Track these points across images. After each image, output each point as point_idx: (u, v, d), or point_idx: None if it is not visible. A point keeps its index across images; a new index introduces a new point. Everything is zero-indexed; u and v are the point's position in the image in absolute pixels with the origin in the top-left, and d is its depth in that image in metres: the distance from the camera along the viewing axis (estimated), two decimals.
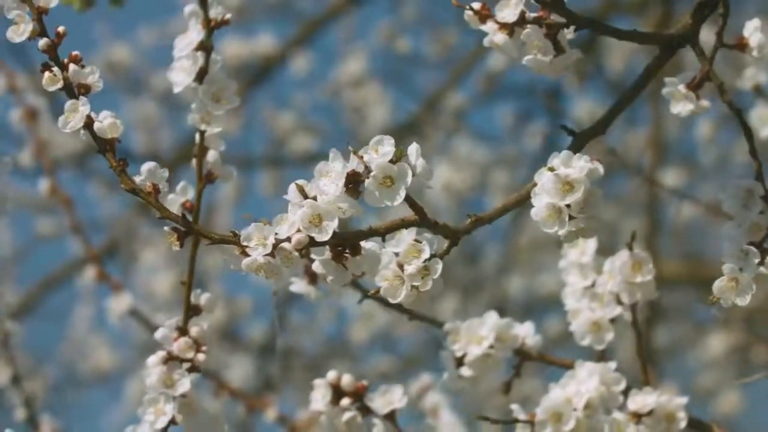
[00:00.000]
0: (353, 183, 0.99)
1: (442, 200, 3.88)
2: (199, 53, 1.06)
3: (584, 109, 3.87)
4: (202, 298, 1.13)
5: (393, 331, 4.13)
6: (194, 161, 1.10)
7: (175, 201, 1.09)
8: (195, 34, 1.05)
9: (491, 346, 1.19)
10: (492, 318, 1.20)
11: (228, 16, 1.06)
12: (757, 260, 1.07)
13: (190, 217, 1.10)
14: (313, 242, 0.99)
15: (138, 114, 4.22)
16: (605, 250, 1.28)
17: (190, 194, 1.10)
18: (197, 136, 1.09)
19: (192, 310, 1.13)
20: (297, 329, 4.26)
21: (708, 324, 3.83)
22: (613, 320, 1.22)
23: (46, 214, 4.24)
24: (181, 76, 1.06)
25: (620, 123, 3.74)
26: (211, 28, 1.05)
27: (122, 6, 1.41)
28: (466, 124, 4.09)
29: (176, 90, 1.07)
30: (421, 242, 1.02)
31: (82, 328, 4.36)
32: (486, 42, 1.06)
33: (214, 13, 1.05)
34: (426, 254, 1.02)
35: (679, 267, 3.52)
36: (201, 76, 1.06)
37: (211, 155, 1.10)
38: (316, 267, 1.01)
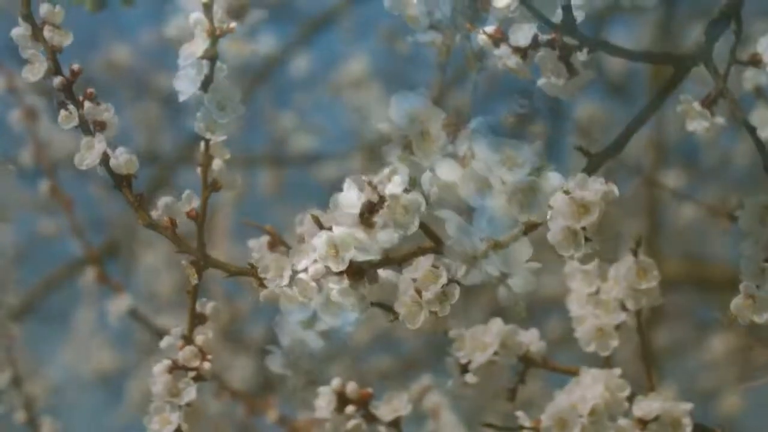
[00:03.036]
0: (368, 213, 1.00)
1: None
2: (204, 62, 1.06)
3: (585, 110, 3.86)
4: (208, 307, 1.14)
5: (394, 332, 4.12)
6: (199, 169, 1.10)
7: (179, 210, 1.09)
8: (200, 42, 1.05)
9: (496, 353, 1.19)
10: (497, 324, 1.20)
11: (233, 25, 1.06)
12: None
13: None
14: (330, 272, 1.00)
15: (139, 114, 4.21)
16: (605, 251, 1.27)
17: (195, 203, 1.10)
18: (202, 145, 1.09)
19: (197, 319, 1.13)
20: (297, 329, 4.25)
21: (709, 325, 3.83)
22: (617, 326, 1.23)
23: (46, 214, 4.23)
24: (186, 84, 1.06)
25: (620, 123, 3.74)
26: (216, 36, 1.06)
27: (133, 5, 1.42)
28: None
29: (182, 98, 1.07)
30: (438, 268, 1.03)
31: (83, 330, 4.35)
32: (499, 65, 1.07)
33: (219, 21, 1.05)
34: (443, 280, 1.02)
35: (680, 267, 3.51)
36: (206, 84, 1.06)
37: (216, 164, 1.10)
38: (335, 296, 1.02)
